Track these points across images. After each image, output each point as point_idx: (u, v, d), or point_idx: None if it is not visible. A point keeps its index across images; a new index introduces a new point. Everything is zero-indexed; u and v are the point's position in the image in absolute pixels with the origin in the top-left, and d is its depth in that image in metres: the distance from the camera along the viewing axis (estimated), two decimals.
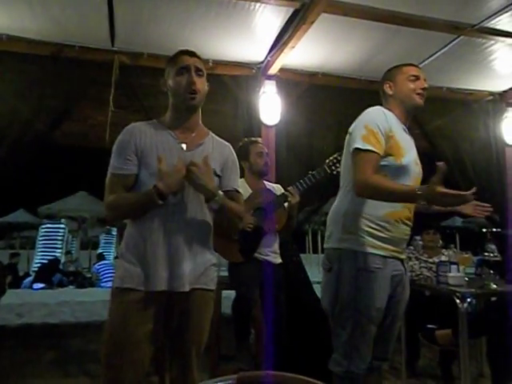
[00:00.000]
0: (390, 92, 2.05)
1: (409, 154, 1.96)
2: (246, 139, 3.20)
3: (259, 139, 3.23)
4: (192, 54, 1.75)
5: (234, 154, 1.88)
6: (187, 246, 1.67)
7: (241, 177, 3.12)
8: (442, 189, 1.63)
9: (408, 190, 1.79)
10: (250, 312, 2.98)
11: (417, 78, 2.04)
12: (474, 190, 1.65)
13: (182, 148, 1.71)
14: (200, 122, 1.82)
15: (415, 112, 2.08)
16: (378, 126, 1.88)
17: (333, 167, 2.87)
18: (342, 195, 2.03)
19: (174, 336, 1.70)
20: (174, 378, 1.72)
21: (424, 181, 2.09)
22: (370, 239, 1.90)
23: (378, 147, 1.85)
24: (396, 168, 1.90)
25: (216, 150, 1.79)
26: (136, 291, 1.62)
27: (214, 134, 1.86)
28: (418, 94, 2.02)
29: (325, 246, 2.06)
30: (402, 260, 2.00)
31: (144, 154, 1.67)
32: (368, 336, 1.90)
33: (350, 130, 1.99)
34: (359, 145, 1.85)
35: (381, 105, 2.07)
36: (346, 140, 2.03)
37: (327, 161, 2.90)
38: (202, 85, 1.73)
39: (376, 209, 1.90)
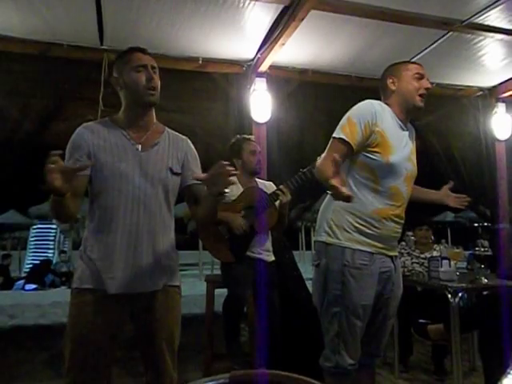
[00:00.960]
0: (393, 87, 2.03)
1: (399, 152, 1.94)
2: (238, 136, 3.19)
3: (252, 137, 3.23)
4: (145, 51, 1.71)
5: (193, 147, 1.85)
6: (147, 245, 1.65)
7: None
8: (336, 183, 1.66)
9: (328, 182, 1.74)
10: (240, 311, 2.98)
11: (422, 76, 2.02)
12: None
13: (137, 149, 1.67)
14: (154, 119, 1.78)
15: (414, 112, 2.04)
16: (359, 118, 1.88)
17: (309, 175, 2.84)
18: None
19: (143, 335, 1.70)
20: (150, 380, 1.71)
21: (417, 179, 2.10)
22: (357, 235, 1.91)
23: (350, 137, 1.86)
24: (383, 165, 1.90)
25: (172, 147, 1.76)
26: (95, 291, 1.60)
27: (169, 130, 1.81)
28: (421, 94, 2.00)
29: (314, 239, 2.08)
30: (391, 257, 2.00)
31: (97, 156, 1.63)
32: (355, 332, 1.90)
33: None
34: (335, 134, 1.90)
35: (375, 99, 2.05)
36: None
37: (318, 158, 2.87)
38: (158, 81, 1.70)
39: (364, 206, 1.91)
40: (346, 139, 1.85)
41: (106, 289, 1.58)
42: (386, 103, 2.02)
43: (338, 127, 1.91)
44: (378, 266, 1.92)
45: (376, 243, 1.92)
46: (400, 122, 2.01)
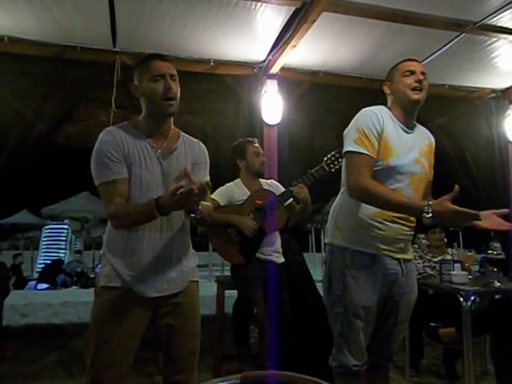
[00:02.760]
0: (388, 91, 2.04)
1: (402, 154, 1.92)
2: (241, 139, 3.21)
3: (255, 139, 3.22)
4: (164, 58, 1.71)
5: (205, 151, 1.86)
6: (171, 250, 1.70)
7: (237, 176, 3.15)
8: (454, 206, 1.63)
9: (411, 205, 1.77)
10: (250, 313, 2.98)
11: (412, 72, 1.98)
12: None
13: (158, 157, 1.69)
14: (172, 125, 1.79)
15: (414, 108, 2.00)
16: (371, 129, 1.87)
17: (331, 165, 2.82)
18: (340, 193, 2.04)
19: (167, 331, 1.70)
20: (169, 378, 1.73)
21: None
22: (360, 237, 1.90)
23: (371, 150, 1.84)
24: (383, 168, 1.88)
25: (188, 151, 1.78)
26: (121, 290, 1.62)
27: (184, 134, 1.83)
28: (413, 88, 1.96)
29: (324, 241, 2.12)
30: (398, 260, 1.96)
31: (128, 162, 1.64)
32: (356, 332, 1.89)
33: (345, 132, 1.97)
34: (352, 147, 1.86)
35: (382, 104, 2.05)
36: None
37: (325, 158, 2.85)
38: (177, 89, 1.70)
39: (367, 207, 1.89)
40: (368, 153, 1.84)
41: (135, 291, 1.63)
42: (389, 108, 2.02)
43: (351, 140, 1.87)
44: (381, 268, 1.90)
45: (379, 245, 1.90)
46: (402, 125, 1.98)
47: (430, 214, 1.65)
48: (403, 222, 1.94)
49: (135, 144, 1.68)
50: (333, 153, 2.85)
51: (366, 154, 1.84)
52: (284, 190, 2.98)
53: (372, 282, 1.89)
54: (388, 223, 1.90)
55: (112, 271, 1.65)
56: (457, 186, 1.67)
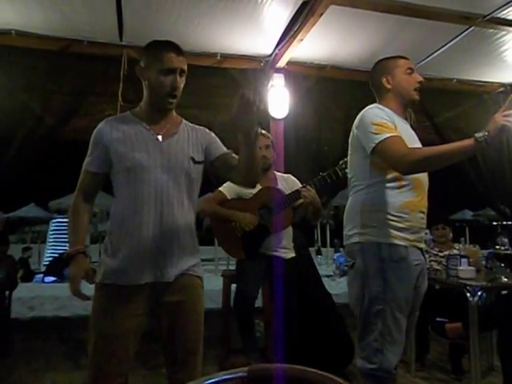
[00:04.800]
0: (389, 86, 2.03)
1: (412, 145, 1.92)
2: None
3: (264, 131, 3.19)
4: (179, 51, 1.67)
5: (211, 132, 1.85)
6: (171, 236, 1.65)
7: None
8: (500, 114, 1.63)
9: (461, 145, 1.69)
10: (250, 307, 2.98)
11: (412, 70, 2.03)
12: None
13: (158, 139, 1.68)
14: (174, 113, 1.79)
15: (411, 106, 2.08)
16: (384, 119, 1.86)
17: (344, 171, 2.78)
18: (355, 194, 2.00)
19: (167, 327, 1.68)
20: (172, 372, 1.70)
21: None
22: (391, 230, 1.88)
23: (394, 132, 1.83)
24: None
25: (192, 137, 1.76)
26: (119, 285, 1.61)
27: (186, 121, 1.82)
28: (415, 89, 2.00)
29: (345, 243, 2.04)
30: (421, 249, 1.98)
31: (115, 148, 1.65)
32: (400, 328, 1.86)
33: (356, 130, 1.96)
34: (377, 139, 1.82)
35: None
36: (351, 137, 2.01)
37: (340, 162, 2.79)
38: (181, 85, 1.69)
39: (392, 201, 1.89)
40: (395, 134, 1.81)
41: (128, 282, 1.60)
42: (383, 104, 2.01)
43: (372, 135, 1.84)
44: (412, 259, 1.90)
45: (408, 236, 1.90)
46: (401, 119, 2.01)
47: (485, 137, 1.64)
48: (423, 210, 1.96)
49: (129, 128, 1.68)
50: (346, 159, 2.82)
51: (392, 136, 1.80)
52: (300, 186, 2.94)
53: (408, 274, 1.88)
54: (413, 213, 1.91)
55: (108, 266, 1.64)
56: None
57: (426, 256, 3.58)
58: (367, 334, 1.89)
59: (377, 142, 1.82)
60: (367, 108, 1.96)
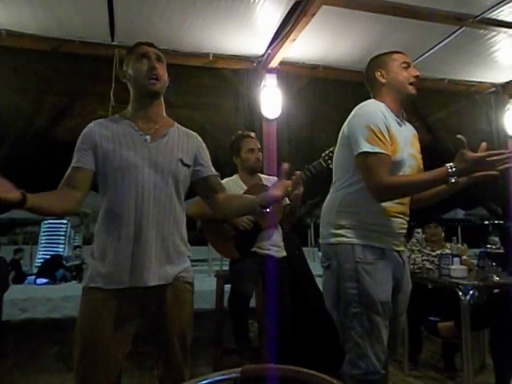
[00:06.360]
0: (383, 81, 1.96)
1: (402, 149, 1.88)
2: (239, 132, 3.15)
3: (252, 133, 3.15)
4: (150, 44, 1.72)
5: (203, 143, 1.84)
6: (157, 238, 1.62)
7: (234, 173, 3.13)
8: (475, 154, 1.63)
9: (436, 174, 1.70)
10: (244, 307, 2.97)
11: (408, 65, 1.97)
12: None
13: (146, 139, 1.66)
14: (164, 113, 1.77)
15: (408, 101, 1.99)
16: (381, 126, 1.80)
17: (329, 161, 2.78)
18: (335, 191, 1.97)
19: (154, 331, 1.67)
20: (161, 375, 1.68)
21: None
22: (366, 232, 1.85)
23: (386, 148, 1.77)
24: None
25: (182, 140, 1.74)
26: (105, 290, 1.58)
27: (179, 125, 1.80)
28: (411, 83, 1.94)
29: (320, 241, 2.00)
30: (399, 252, 1.95)
31: (102, 145, 1.63)
32: (378, 330, 1.81)
33: (346, 127, 1.91)
34: (367, 148, 1.76)
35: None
36: (340, 135, 1.96)
37: (323, 154, 2.81)
38: (163, 71, 1.69)
39: (370, 206, 1.85)
40: (385, 151, 1.76)
41: (116, 284, 1.58)
42: (379, 100, 1.95)
43: (363, 140, 1.77)
44: (390, 262, 1.88)
45: (386, 238, 1.88)
46: (396, 117, 1.94)
47: (455, 176, 1.65)
48: (402, 217, 1.93)
49: (117, 127, 1.67)
50: (331, 149, 2.81)
51: (382, 153, 1.75)
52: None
53: (385, 276, 1.85)
54: (392, 219, 1.88)
55: (94, 270, 1.61)
56: (461, 136, 1.67)
57: (419, 256, 3.65)
58: (347, 338, 1.86)
59: (365, 150, 1.76)
60: (364, 104, 1.90)
